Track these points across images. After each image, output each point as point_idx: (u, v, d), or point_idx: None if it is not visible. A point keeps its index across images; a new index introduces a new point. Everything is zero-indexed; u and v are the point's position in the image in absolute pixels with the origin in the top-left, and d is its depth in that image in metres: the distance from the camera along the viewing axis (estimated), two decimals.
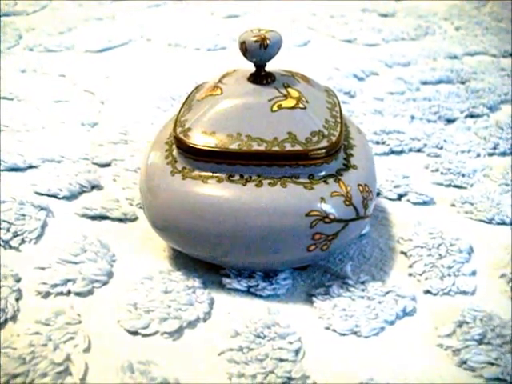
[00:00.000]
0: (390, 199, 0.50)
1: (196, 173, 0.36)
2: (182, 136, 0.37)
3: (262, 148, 0.36)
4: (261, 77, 0.39)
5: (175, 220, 0.37)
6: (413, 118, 0.64)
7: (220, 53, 0.86)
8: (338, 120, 0.39)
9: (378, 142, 0.58)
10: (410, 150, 0.58)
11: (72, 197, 0.50)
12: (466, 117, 0.64)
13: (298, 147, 0.35)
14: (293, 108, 0.37)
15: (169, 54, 0.86)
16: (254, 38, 0.37)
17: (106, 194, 0.50)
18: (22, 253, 0.43)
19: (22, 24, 0.99)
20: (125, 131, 0.60)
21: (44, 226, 0.46)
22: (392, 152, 0.57)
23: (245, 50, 0.37)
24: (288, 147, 0.35)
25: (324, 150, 0.36)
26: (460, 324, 0.37)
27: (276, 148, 0.35)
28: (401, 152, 0.57)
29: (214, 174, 0.36)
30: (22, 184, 0.51)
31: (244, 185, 0.36)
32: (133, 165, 0.54)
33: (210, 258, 0.39)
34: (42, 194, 0.50)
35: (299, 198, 0.35)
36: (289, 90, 0.38)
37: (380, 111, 0.65)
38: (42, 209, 0.47)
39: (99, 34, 0.93)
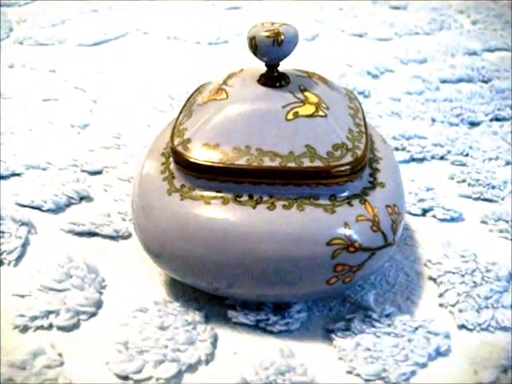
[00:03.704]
0: (414, 215, 0.44)
1: (197, 192, 0.31)
2: (180, 149, 0.31)
3: (276, 164, 0.30)
4: (273, 78, 0.33)
5: (172, 246, 0.32)
6: (434, 120, 0.58)
7: (222, 47, 0.81)
8: (363, 129, 0.33)
9: (397, 148, 0.53)
10: (433, 157, 0.52)
11: (58, 209, 0.45)
12: (492, 120, 0.59)
13: (317, 163, 0.30)
14: (311, 116, 0.31)
15: (167, 48, 0.81)
16: (266, 34, 0.31)
17: (96, 206, 0.45)
18: None
19: (14, 16, 0.94)
20: (118, 134, 0.55)
21: (25, 244, 0.41)
22: (413, 159, 0.52)
23: (255, 47, 0.32)
24: (306, 163, 0.30)
25: (349, 167, 0.30)
26: (504, 369, 0.31)
27: (292, 164, 0.30)
28: (422, 159, 0.52)
29: (218, 194, 0.31)
30: (3, 194, 0.46)
31: (254, 207, 0.30)
32: (126, 173, 0.49)
33: (212, 290, 0.33)
34: (25, 206, 0.45)
35: (319, 224, 0.30)
36: (306, 94, 0.33)
37: (397, 113, 0.60)
38: (23, 224, 0.42)
39: (94, 27, 0.87)
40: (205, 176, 0.31)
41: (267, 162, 0.30)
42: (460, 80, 0.68)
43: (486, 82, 0.68)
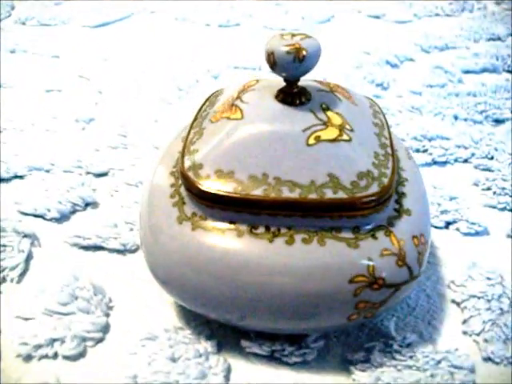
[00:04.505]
0: (437, 227, 0.42)
1: (209, 222, 0.29)
2: (191, 175, 0.29)
3: (295, 195, 0.28)
4: (293, 95, 0.31)
5: (182, 276, 0.30)
6: (456, 118, 0.55)
7: (233, 30, 0.77)
8: (389, 151, 0.31)
9: (418, 150, 0.50)
10: (456, 160, 0.50)
11: (62, 218, 0.43)
12: None
13: (341, 194, 0.28)
14: (335, 141, 0.29)
15: (175, 31, 0.77)
16: (286, 49, 0.28)
17: (102, 214, 0.43)
18: (1, 295, 0.36)
19: None
20: (124, 132, 0.52)
21: (29, 258, 0.39)
22: (435, 163, 0.49)
23: (273, 62, 0.29)
24: (328, 194, 0.28)
25: (374, 198, 0.28)
26: None
27: (313, 196, 0.28)
28: (445, 163, 0.49)
29: (232, 226, 0.28)
30: (4, 200, 0.44)
31: (270, 241, 0.28)
32: (133, 177, 0.47)
33: (223, 321, 0.32)
34: (27, 214, 0.43)
35: (341, 260, 0.28)
36: (329, 113, 0.30)
37: (418, 108, 0.57)
38: (25, 236, 0.40)
39: (98, 6, 0.83)
40: (218, 206, 0.28)
41: (286, 193, 0.28)
42: (484, 70, 0.65)
43: (511, 72, 0.64)
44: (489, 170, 0.48)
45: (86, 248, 0.40)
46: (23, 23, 0.80)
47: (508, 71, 0.65)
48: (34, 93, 0.60)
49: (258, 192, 0.28)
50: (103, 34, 0.76)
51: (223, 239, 0.28)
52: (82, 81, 0.63)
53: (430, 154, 0.50)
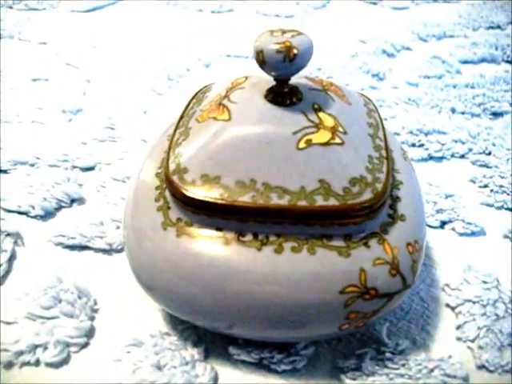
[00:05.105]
0: (431, 227, 0.41)
1: (195, 229, 0.28)
2: (176, 179, 0.28)
3: (285, 202, 0.26)
4: (283, 94, 0.29)
5: (167, 284, 0.28)
6: (453, 111, 0.54)
7: (226, 16, 0.75)
8: (384, 153, 0.29)
9: (414, 145, 0.49)
10: (452, 155, 0.48)
11: (47, 215, 0.41)
12: None
13: (332, 201, 0.26)
14: (327, 144, 0.27)
15: (166, 16, 0.75)
16: (276, 47, 0.27)
17: (88, 211, 0.42)
18: None
19: None
20: (112, 125, 0.51)
21: (12, 258, 0.38)
22: (431, 158, 0.48)
23: (262, 61, 0.28)
24: (319, 201, 0.26)
25: (367, 205, 0.27)
26: None
27: (303, 203, 0.26)
28: (441, 158, 0.48)
29: (219, 233, 0.27)
30: None
31: (259, 249, 0.27)
32: (121, 172, 0.45)
33: (211, 329, 0.31)
34: (11, 211, 0.41)
35: (332, 270, 0.26)
36: (321, 115, 0.29)
37: (415, 100, 0.55)
38: (8, 234, 0.39)
39: None
40: (203, 212, 0.27)
41: (275, 200, 0.26)
42: (482, 60, 0.63)
43: (510, 62, 0.63)
44: (486, 166, 0.47)
45: (71, 247, 0.39)
46: (10, 7, 0.78)
47: (507, 61, 0.63)
48: (20, 82, 0.58)
49: (245, 198, 0.27)
50: (92, 19, 0.74)
51: (209, 247, 0.27)
52: (69, 69, 0.61)
53: (427, 148, 0.48)
